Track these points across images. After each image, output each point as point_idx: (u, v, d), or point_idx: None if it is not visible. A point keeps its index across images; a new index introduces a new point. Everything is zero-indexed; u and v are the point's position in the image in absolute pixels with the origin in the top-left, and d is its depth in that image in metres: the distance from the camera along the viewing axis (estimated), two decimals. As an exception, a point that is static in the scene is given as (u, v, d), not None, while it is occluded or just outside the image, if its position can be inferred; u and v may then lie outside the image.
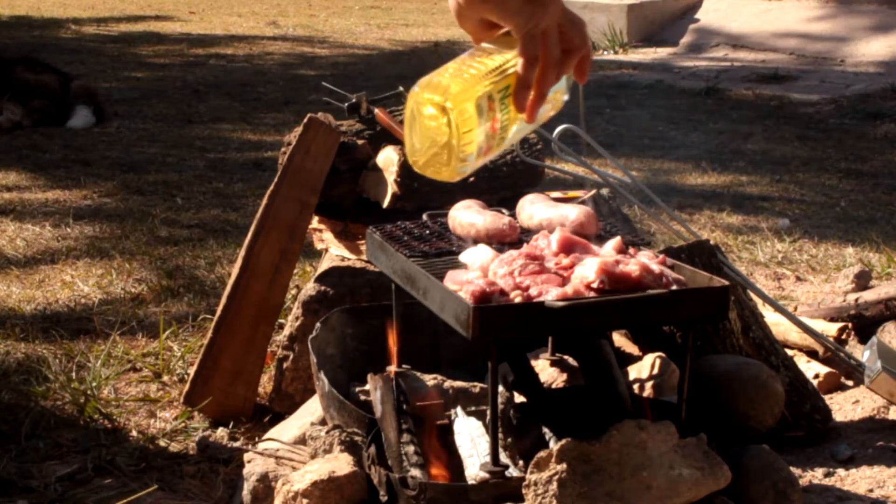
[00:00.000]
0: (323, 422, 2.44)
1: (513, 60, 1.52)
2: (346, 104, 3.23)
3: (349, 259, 3.05)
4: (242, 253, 3.03)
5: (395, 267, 2.17)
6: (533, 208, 2.32)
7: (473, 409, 2.22)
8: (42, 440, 2.83)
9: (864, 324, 3.37)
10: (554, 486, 1.84)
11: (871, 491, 2.53)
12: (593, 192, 3.02)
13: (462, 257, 2.11)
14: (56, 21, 13.25)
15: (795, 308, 3.61)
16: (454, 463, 2.11)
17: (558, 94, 1.61)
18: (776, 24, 10.04)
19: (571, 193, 3.00)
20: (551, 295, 1.84)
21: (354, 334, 2.54)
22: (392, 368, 2.34)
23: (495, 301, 1.84)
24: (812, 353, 3.22)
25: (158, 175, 5.80)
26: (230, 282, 3.04)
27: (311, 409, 2.61)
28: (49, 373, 3.19)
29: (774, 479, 2.09)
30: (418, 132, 1.54)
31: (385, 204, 2.98)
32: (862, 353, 3.06)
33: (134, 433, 2.93)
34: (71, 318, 3.73)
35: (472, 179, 3.02)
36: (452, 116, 1.49)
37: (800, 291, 4.02)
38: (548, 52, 1.51)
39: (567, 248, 2.01)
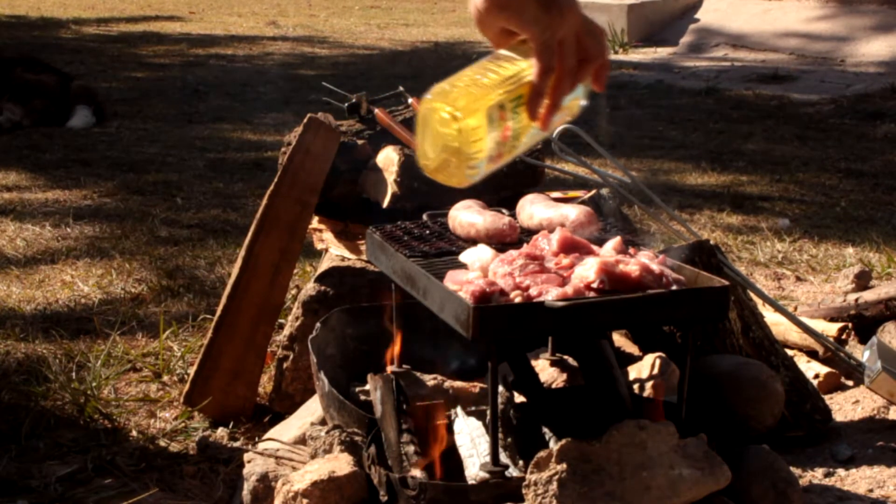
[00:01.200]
0: (323, 422, 2.44)
1: (528, 69, 1.54)
2: (346, 104, 3.23)
3: (349, 259, 3.05)
4: (242, 253, 3.03)
5: (395, 267, 2.17)
6: (533, 208, 2.32)
7: (473, 409, 2.22)
8: (42, 440, 2.83)
9: (864, 324, 3.37)
10: (554, 486, 1.84)
11: (871, 491, 2.53)
12: (593, 191, 3.03)
13: (462, 257, 2.11)
14: (56, 21, 13.26)
15: (795, 308, 3.61)
16: (454, 463, 2.11)
17: (574, 102, 1.62)
18: (776, 24, 10.04)
19: (571, 193, 3.00)
20: (551, 295, 1.84)
21: (354, 334, 2.54)
22: (391, 368, 2.34)
23: (495, 301, 1.84)
24: (812, 353, 3.22)
25: (158, 175, 5.80)
26: (230, 282, 3.04)
27: (311, 409, 2.61)
28: (49, 373, 3.19)
29: (774, 479, 2.09)
30: (429, 138, 1.57)
31: (385, 204, 2.98)
32: (862, 353, 3.06)
33: (134, 433, 2.93)
34: (71, 318, 3.73)
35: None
36: (462, 126, 1.52)
37: (800, 291, 4.02)
38: (563, 61, 1.53)
39: (567, 248, 2.01)
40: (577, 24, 1.54)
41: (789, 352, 3.00)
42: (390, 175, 2.96)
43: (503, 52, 1.58)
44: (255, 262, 2.99)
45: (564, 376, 2.45)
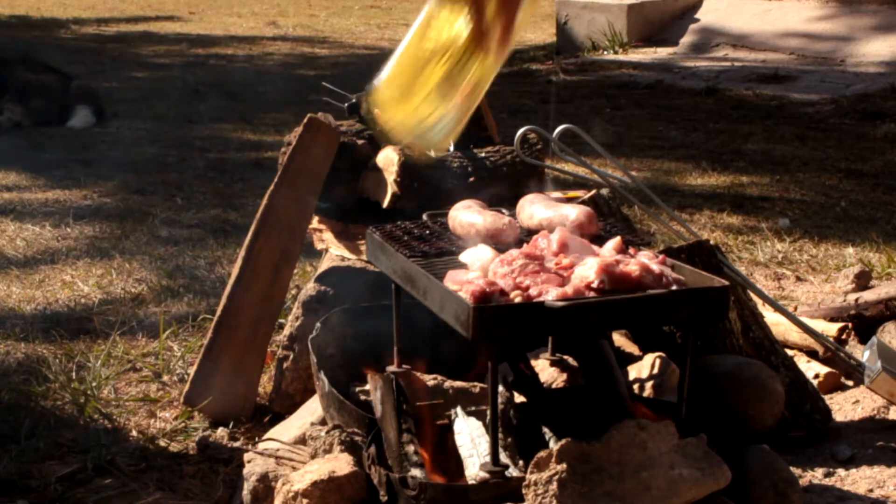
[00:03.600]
0: (323, 422, 2.44)
1: (461, 23, 1.54)
2: (346, 104, 3.23)
3: (349, 259, 3.05)
4: (242, 253, 3.03)
5: (395, 267, 2.17)
6: (533, 208, 2.32)
7: (473, 409, 2.22)
8: (42, 440, 2.83)
9: (864, 324, 3.37)
10: (554, 486, 1.84)
11: (871, 491, 2.53)
12: (593, 192, 3.02)
13: (462, 257, 2.11)
14: (56, 21, 13.26)
15: (795, 308, 3.61)
16: (454, 463, 2.11)
17: None
18: (776, 24, 10.04)
19: (571, 193, 3.00)
20: (551, 295, 1.84)
21: (354, 334, 2.54)
22: (392, 368, 2.34)
23: (495, 301, 1.84)
24: (812, 353, 3.22)
25: (158, 175, 5.80)
26: (230, 282, 3.03)
27: (311, 409, 2.61)
28: (49, 373, 3.19)
29: (774, 479, 2.09)
30: (397, 126, 1.63)
31: (385, 204, 2.98)
32: (862, 353, 3.06)
33: (134, 433, 2.93)
34: (71, 318, 3.73)
35: (472, 180, 3.03)
36: (417, 120, 1.54)
37: (800, 291, 4.02)
38: None
39: (567, 248, 2.01)
40: None
41: (789, 352, 3.00)
42: (390, 175, 2.96)
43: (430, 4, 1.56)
44: (255, 262, 2.99)
45: (564, 376, 2.45)
